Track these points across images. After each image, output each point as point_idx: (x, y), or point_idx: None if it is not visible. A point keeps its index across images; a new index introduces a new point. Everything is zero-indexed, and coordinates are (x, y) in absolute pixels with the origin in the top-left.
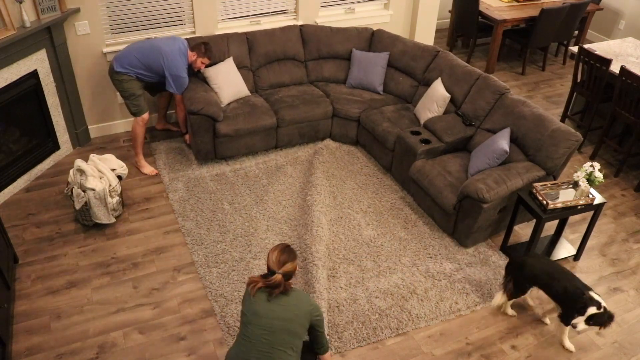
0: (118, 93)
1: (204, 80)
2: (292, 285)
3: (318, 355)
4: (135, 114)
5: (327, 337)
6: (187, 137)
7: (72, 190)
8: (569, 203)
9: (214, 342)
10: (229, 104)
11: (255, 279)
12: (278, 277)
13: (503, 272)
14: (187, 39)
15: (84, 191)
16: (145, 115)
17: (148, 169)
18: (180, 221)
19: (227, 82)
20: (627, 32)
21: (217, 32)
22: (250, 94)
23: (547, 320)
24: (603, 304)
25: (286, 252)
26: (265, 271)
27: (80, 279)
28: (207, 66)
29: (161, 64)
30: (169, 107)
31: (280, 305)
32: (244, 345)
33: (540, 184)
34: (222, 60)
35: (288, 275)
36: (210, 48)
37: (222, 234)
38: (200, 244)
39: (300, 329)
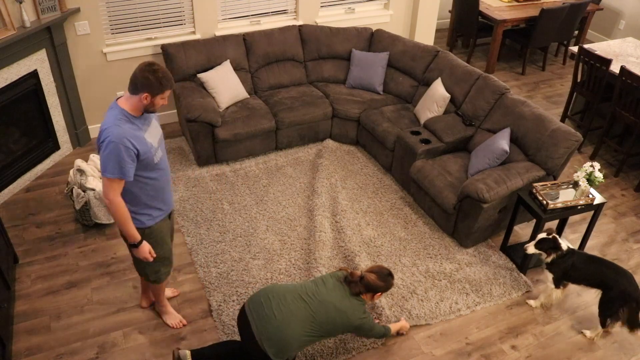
0: None
1: (201, 85)
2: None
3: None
4: (153, 281)
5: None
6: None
7: (72, 190)
8: (569, 203)
9: (213, 342)
10: (227, 108)
11: (348, 270)
12: (357, 272)
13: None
14: (183, 44)
15: (84, 191)
16: (165, 281)
17: (172, 318)
18: (179, 221)
19: (225, 85)
20: (627, 32)
21: (217, 32)
22: (248, 96)
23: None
24: (561, 243)
25: (383, 272)
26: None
27: (80, 279)
28: (204, 71)
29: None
30: None
31: (336, 306)
32: (292, 291)
33: (540, 184)
34: (219, 64)
35: (366, 282)
36: (163, 74)
37: (222, 234)
38: (199, 243)
39: (330, 327)
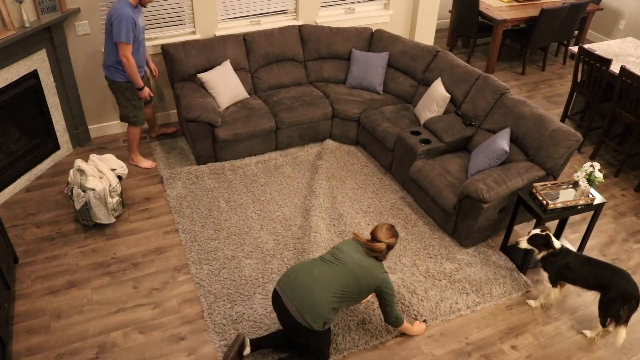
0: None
1: (202, 86)
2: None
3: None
4: (134, 123)
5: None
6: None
7: (72, 190)
8: (569, 203)
9: (213, 342)
10: (227, 108)
11: (361, 236)
12: (382, 245)
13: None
14: (183, 44)
15: (84, 191)
16: (143, 125)
17: (146, 162)
18: (175, 218)
19: (225, 85)
20: (627, 32)
21: (217, 32)
22: (248, 97)
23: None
24: (554, 241)
25: (393, 230)
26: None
27: (80, 279)
28: (204, 71)
29: (112, 24)
30: (154, 114)
31: (359, 264)
32: (314, 261)
33: (540, 184)
34: (219, 64)
35: (390, 247)
36: None
37: (216, 231)
38: (193, 240)
39: (355, 287)
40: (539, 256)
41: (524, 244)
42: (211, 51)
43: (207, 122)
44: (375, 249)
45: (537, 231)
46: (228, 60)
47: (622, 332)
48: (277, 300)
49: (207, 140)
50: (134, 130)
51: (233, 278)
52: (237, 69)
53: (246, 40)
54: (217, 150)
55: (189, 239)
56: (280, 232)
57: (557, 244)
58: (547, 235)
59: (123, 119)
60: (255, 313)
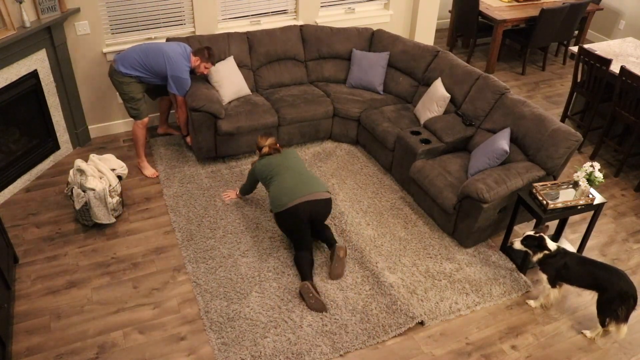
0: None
1: (205, 79)
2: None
3: None
4: (134, 117)
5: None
6: (188, 139)
7: (72, 190)
8: (569, 203)
9: (211, 341)
10: (229, 103)
11: (256, 157)
12: (266, 148)
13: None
14: (188, 39)
15: (84, 191)
16: (145, 120)
17: (150, 171)
18: (172, 216)
19: (228, 80)
20: (627, 32)
21: (217, 32)
22: (250, 93)
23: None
24: (548, 243)
25: (266, 134)
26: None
27: (80, 279)
28: None
29: (163, 65)
30: (170, 110)
31: (280, 155)
32: (286, 178)
33: (540, 184)
34: (223, 59)
35: (273, 146)
36: (213, 53)
37: (212, 230)
38: (190, 239)
39: (303, 165)
40: (535, 259)
41: (517, 245)
42: (216, 46)
43: (211, 112)
44: (265, 152)
45: (531, 232)
46: (232, 56)
47: (623, 329)
48: (293, 213)
49: (209, 132)
50: (136, 129)
51: (229, 276)
52: (239, 65)
53: (249, 38)
54: (218, 143)
55: (185, 237)
56: (276, 231)
57: (551, 245)
58: (541, 237)
59: (129, 114)
60: (252, 311)
